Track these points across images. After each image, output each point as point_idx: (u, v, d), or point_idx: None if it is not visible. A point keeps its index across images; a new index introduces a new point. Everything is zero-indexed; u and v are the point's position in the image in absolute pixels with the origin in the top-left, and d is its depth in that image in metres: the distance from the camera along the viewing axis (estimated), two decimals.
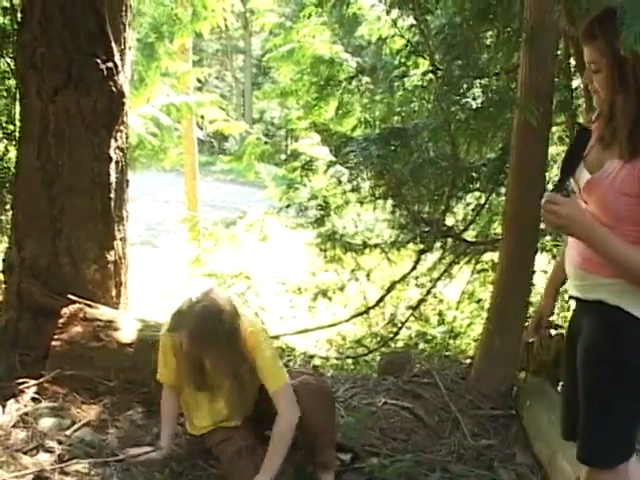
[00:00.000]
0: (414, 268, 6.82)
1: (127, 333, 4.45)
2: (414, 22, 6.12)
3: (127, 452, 3.72)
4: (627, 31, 2.40)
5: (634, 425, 2.70)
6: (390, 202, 6.19)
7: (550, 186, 6.36)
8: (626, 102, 2.44)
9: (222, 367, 3.53)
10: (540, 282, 7.41)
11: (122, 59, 4.77)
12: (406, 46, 6.52)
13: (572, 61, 5.90)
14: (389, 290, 7.05)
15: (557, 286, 3.20)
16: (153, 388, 4.20)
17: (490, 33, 6.02)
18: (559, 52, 5.62)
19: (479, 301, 7.72)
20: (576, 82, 6.12)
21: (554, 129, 6.18)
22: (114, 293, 4.91)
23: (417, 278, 7.03)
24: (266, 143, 12.98)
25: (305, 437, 3.63)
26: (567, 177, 2.52)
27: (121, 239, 4.94)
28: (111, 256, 4.85)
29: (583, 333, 2.73)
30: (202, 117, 15.06)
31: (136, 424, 4.02)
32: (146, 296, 7.82)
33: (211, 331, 3.35)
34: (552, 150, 6.32)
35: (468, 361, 6.17)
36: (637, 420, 2.70)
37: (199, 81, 17.18)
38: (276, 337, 6.76)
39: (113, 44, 4.63)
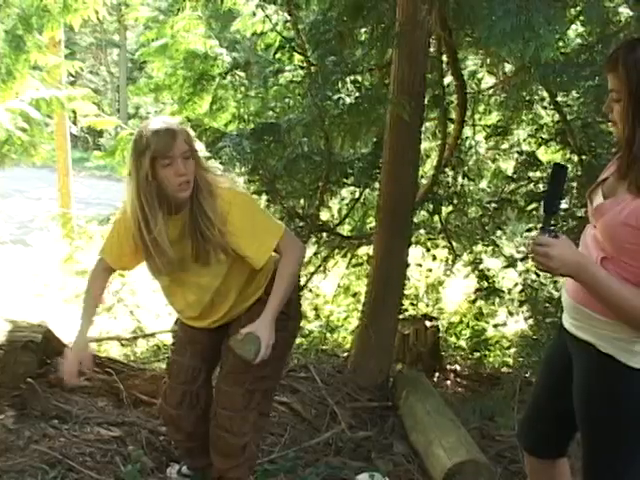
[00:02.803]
0: None
1: None
2: (288, 17, 6.14)
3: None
4: None
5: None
6: (264, 197, 6.18)
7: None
8: None
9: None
10: (415, 275, 7.56)
11: None
12: (280, 41, 6.54)
13: (444, 58, 6.02)
14: None
15: None
16: (24, 391, 4.12)
17: (364, 29, 6.07)
18: (431, 49, 5.72)
19: (355, 295, 7.79)
20: (448, 79, 6.25)
21: (427, 124, 6.29)
22: None
23: None
24: None
25: None
26: (550, 217, 2.38)
27: None
28: None
29: (576, 378, 2.63)
30: (74, 112, 14.74)
31: (7, 428, 3.90)
32: (17, 296, 7.62)
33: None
34: (425, 145, 6.44)
35: (345, 354, 6.24)
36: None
37: (72, 75, 16.79)
38: (152, 335, 6.70)
39: None
